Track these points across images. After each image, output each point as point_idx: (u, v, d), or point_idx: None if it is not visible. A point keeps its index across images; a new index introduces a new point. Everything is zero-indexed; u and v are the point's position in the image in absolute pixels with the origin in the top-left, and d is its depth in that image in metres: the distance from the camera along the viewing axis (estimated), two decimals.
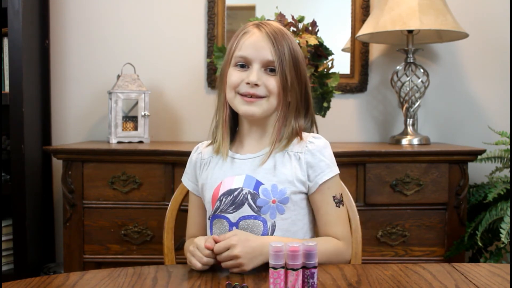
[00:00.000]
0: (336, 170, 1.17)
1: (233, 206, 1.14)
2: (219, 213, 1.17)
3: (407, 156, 1.88)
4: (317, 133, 1.23)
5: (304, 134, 1.20)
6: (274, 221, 1.13)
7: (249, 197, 1.14)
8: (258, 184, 1.14)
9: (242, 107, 1.15)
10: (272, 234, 1.13)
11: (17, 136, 2.02)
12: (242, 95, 1.15)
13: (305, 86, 1.19)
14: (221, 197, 1.16)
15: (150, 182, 1.87)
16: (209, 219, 1.20)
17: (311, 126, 1.23)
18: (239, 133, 1.23)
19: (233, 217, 1.15)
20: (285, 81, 1.14)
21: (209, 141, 1.26)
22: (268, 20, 1.97)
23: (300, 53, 1.18)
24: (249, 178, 1.15)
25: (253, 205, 1.13)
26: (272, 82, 1.14)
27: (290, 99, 1.17)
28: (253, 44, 1.14)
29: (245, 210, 1.14)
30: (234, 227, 1.14)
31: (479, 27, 2.29)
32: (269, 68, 1.14)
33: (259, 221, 1.13)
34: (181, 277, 0.99)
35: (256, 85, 1.13)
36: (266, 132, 1.20)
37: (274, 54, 1.13)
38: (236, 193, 1.15)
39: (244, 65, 1.15)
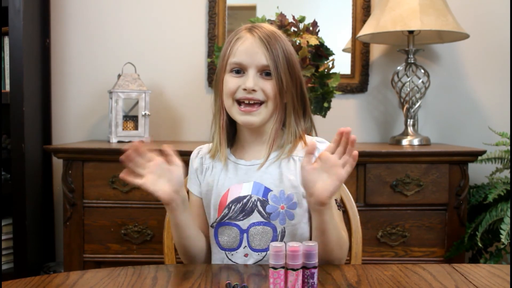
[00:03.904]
0: None
1: (243, 213, 1.14)
2: (227, 220, 1.16)
3: (408, 157, 1.88)
4: (316, 135, 1.23)
5: (308, 138, 1.19)
6: (284, 227, 1.13)
7: (258, 204, 1.14)
8: (267, 190, 1.14)
9: (240, 117, 1.15)
10: (281, 240, 1.13)
11: (17, 135, 2.02)
12: (240, 100, 1.14)
13: (301, 86, 1.18)
14: (230, 205, 1.16)
15: None
16: (212, 226, 1.19)
17: (311, 127, 1.22)
18: (239, 138, 1.22)
19: (243, 224, 1.15)
20: (281, 84, 1.13)
21: (210, 145, 1.25)
22: (269, 20, 2.00)
23: (293, 54, 1.18)
24: (257, 185, 1.15)
25: (263, 211, 1.14)
26: (269, 87, 1.13)
27: (286, 100, 1.17)
28: (247, 50, 1.14)
29: (255, 217, 1.14)
30: (244, 234, 1.15)
31: (480, 28, 2.29)
32: (264, 72, 1.14)
33: (269, 228, 1.13)
34: (181, 277, 0.99)
35: (254, 90, 1.13)
36: (266, 136, 1.19)
37: (268, 58, 1.13)
38: (245, 200, 1.15)
39: (240, 70, 1.15)
